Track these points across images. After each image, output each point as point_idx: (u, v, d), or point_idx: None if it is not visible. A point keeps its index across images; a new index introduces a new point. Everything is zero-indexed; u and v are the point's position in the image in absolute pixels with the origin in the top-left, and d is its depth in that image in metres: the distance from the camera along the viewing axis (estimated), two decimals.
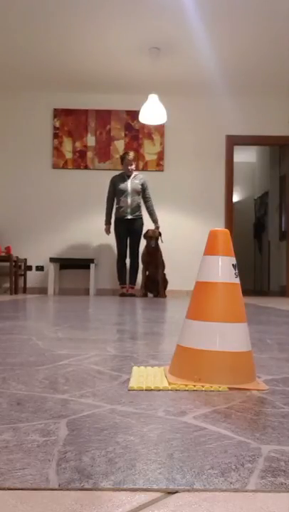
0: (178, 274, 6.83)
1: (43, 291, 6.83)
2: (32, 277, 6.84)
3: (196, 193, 6.93)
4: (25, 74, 6.36)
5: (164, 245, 6.79)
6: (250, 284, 10.35)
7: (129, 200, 6.05)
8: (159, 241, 6.46)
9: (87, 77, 6.44)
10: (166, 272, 6.78)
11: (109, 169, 6.86)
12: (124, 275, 6.17)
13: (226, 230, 1.03)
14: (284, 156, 7.74)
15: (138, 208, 6.09)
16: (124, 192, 6.06)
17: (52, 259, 6.46)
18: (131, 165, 6.06)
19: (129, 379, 1.00)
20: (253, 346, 1.55)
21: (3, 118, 6.91)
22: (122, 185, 6.07)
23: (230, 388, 0.93)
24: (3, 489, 0.48)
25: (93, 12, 4.84)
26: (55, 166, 6.85)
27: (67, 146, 6.87)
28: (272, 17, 4.87)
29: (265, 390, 0.92)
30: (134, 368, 1.09)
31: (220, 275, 1.00)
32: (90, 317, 2.68)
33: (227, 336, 0.96)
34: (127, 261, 6.54)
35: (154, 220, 6.16)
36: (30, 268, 6.84)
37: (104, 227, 6.52)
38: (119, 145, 6.89)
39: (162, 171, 6.89)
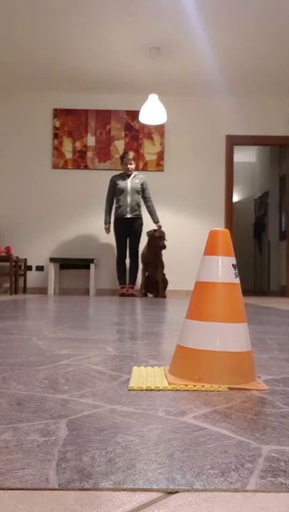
0: (178, 274, 6.83)
1: (43, 291, 6.83)
2: (32, 277, 6.84)
3: (196, 193, 6.93)
4: (25, 74, 6.36)
5: None
6: (250, 284, 10.35)
7: (128, 199, 6.05)
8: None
9: (88, 77, 6.44)
10: (166, 272, 6.78)
11: (110, 169, 6.86)
12: (124, 275, 6.17)
13: (226, 230, 1.03)
14: (284, 156, 7.75)
15: (138, 207, 6.09)
16: (123, 191, 6.06)
17: (52, 259, 6.46)
18: (130, 164, 6.07)
19: (129, 379, 1.00)
20: (253, 346, 1.55)
21: (3, 118, 6.91)
22: (121, 185, 6.07)
23: (230, 388, 0.93)
24: (3, 489, 0.48)
25: (93, 12, 4.84)
26: (55, 166, 6.85)
27: (67, 146, 6.87)
28: (272, 17, 4.88)
29: (265, 390, 0.92)
30: (134, 368, 1.09)
31: (220, 275, 1.00)
32: (90, 317, 2.68)
33: (227, 336, 0.96)
34: (127, 261, 6.54)
35: (156, 220, 6.15)
36: (30, 268, 6.84)
37: (104, 226, 6.52)
38: (119, 145, 6.89)
39: (162, 171, 6.89)
